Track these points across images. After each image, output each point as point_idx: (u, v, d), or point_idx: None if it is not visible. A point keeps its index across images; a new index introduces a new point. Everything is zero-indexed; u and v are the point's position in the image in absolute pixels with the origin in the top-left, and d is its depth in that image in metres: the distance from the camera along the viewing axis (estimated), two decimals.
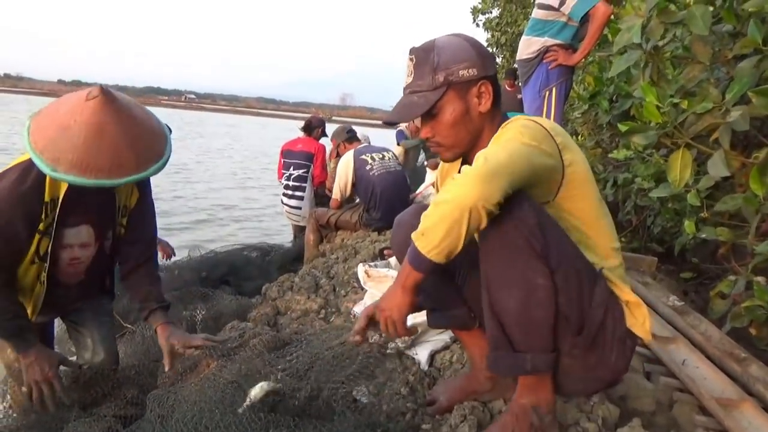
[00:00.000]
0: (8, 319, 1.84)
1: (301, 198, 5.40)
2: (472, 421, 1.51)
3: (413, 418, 1.61)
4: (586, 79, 4.67)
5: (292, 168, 5.42)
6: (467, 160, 1.42)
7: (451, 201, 1.13)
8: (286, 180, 5.47)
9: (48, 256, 1.87)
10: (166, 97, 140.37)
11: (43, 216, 1.80)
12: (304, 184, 5.39)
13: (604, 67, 4.16)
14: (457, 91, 1.34)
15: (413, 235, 1.21)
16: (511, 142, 1.22)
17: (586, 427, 1.48)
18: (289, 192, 5.45)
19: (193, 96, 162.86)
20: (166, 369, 1.95)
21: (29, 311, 1.96)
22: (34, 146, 1.63)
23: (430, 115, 1.36)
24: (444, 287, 1.55)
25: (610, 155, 4.10)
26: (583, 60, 3.70)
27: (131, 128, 1.68)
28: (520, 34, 12.42)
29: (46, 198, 1.79)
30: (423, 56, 1.36)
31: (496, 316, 1.27)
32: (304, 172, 5.39)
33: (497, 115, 1.40)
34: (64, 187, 1.80)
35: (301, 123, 5.77)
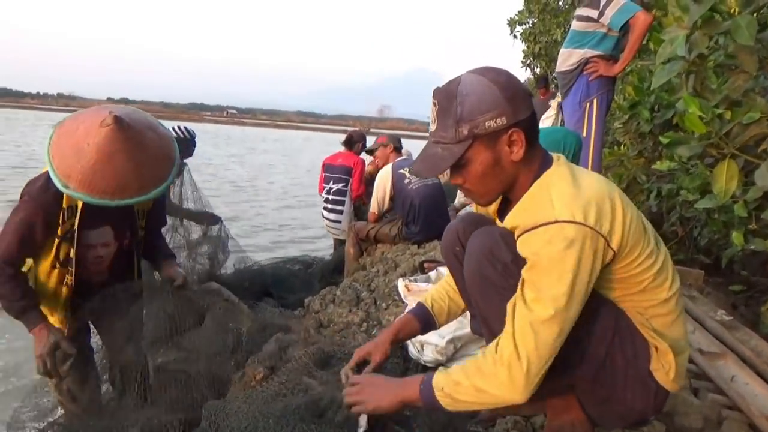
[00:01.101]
0: (16, 300, 2.00)
1: (340, 212, 5.47)
2: None
3: (455, 430, 1.63)
4: (626, 89, 4.61)
5: (332, 182, 5.51)
6: (507, 197, 1.36)
7: (496, 397, 1.17)
8: (326, 194, 5.56)
9: (71, 261, 2.07)
10: (209, 113, 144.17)
11: (60, 222, 2.00)
12: (343, 198, 5.46)
13: (644, 76, 4.10)
14: (484, 142, 1.22)
15: (437, 387, 1.22)
16: (559, 301, 1.12)
17: None
18: (329, 206, 5.53)
19: (234, 111, 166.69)
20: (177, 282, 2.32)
21: (58, 315, 2.13)
22: (51, 160, 1.86)
23: (458, 165, 1.26)
24: None
25: (653, 166, 4.02)
26: (624, 70, 3.67)
27: (137, 155, 1.88)
28: (554, 43, 12.24)
29: (64, 204, 2.00)
30: (446, 104, 1.24)
31: None
32: (343, 186, 5.46)
33: (535, 156, 1.28)
34: None
35: (342, 137, 5.86)
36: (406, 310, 2.48)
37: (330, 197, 5.51)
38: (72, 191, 1.83)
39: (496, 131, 1.21)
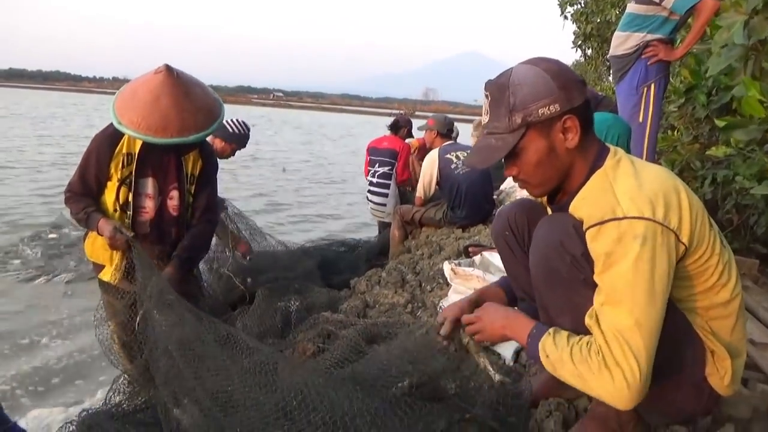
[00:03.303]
0: (78, 213, 2.35)
1: (385, 195, 5.52)
2: (558, 416, 1.55)
3: (498, 410, 1.66)
4: (682, 73, 4.45)
5: (377, 165, 5.55)
6: (559, 186, 1.32)
7: (599, 395, 1.13)
8: (371, 177, 5.61)
9: (129, 205, 2.36)
10: (256, 96, 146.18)
11: (121, 167, 2.32)
12: (388, 182, 5.50)
13: (702, 60, 3.96)
14: (538, 130, 1.21)
15: (543, 350, 1.20)
16: (642, 304, 1.09)
17: (676, 429, 1.48)
18: (375, 189, 5.58)
19: (280, 93, 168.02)
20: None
21: (116, 261, 2.36)
22: (114, 103, 2.23)
23: (512, 155, 1.25)
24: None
25: (708, 152, 3.89)
26: (685, 54, 3.54)
27: (182, 102, 2.17)
28: (606, 23, 11.71)
29: (124, 150, 2.32)
30: (498, 95, 1.24)
31: None
32: (388, 170, 5.50)
33: (591, 145, 1.26)
34: (139, 144, 2.31)
35: (387, 120, 5.89)
36: (450, 292, 2.53)
37: (375, 180, 5.56)
38: (124, 127, 2.14)
39: (549, 118, 1.20)
